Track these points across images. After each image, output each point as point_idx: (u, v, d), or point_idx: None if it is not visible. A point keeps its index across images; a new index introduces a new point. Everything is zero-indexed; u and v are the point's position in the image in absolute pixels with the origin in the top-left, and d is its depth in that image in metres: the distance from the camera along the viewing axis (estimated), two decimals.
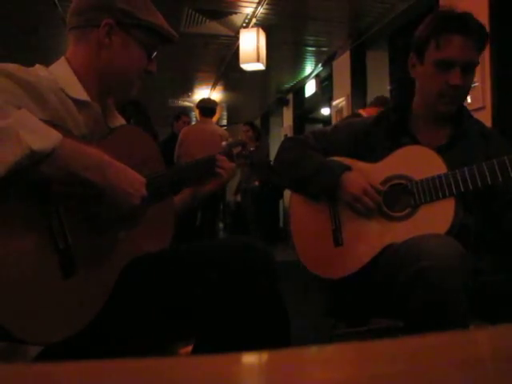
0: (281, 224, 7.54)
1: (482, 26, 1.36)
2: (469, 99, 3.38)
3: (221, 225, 8.64)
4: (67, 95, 1.07)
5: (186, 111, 6.82)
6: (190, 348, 1.17)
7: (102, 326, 0.98)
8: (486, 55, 3.28)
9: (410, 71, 1.46)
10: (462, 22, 1.33)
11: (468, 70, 1.35)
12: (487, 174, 1.24)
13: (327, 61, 6.18)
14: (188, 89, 7.86)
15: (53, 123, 0.93)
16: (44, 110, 0.99)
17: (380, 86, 5.39)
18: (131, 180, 0.99)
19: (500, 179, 1.23)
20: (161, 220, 1.19)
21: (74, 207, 0.96)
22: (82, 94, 1.10)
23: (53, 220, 0.92)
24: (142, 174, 1.03)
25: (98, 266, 1.01)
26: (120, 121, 1.25)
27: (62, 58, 1.15)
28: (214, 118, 5.15)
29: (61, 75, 1.10)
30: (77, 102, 1.09)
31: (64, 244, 0.93)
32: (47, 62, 1.14)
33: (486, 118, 3.18)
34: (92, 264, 1.00)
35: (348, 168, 1.41)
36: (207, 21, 4.88)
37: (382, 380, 0.32)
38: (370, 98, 5.37)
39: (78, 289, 0.96)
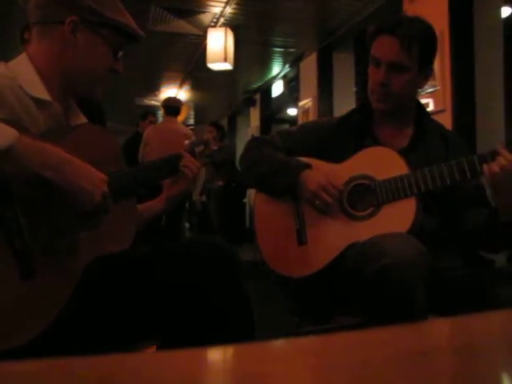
0: (247, 224, 7.54)
1: (416, 31, 1.37)
2: (431, 103, 3.48)
3: (187, 225, 8.58)
4: (27, 93, 1.04)
5: (152, 110, 6.74)
6: (154, 348, 1.17)
7: (63, 328, 0.96)
8: (446, 60, 3.37)
9: None
10: (393, 24, 1.37)
11: (395, 69, 1.37)
12: (446, 174, 1.28)
13: (294, 62, 6.22)
14: (155, 87, 7.78)
15: (9, 121, 0.90)
16: None
17: (346, 87, 5.46)
18: (91, 177, 0.96)
19: (458, 180, 1.27)
20: (122, 220, 1.17)
21: (32, 207, 0.94)
22: (42, 93, 1.07)
23: (10, 220, 0.90)
24: (104, 173, 1.02)
25: (58, 266, 0.99)
26: (82, 119, 1.23)
27: (24, 55, 1.12)
28: (180, 118, 5.11)
29: (21, 72, 1.07)
30: (37, 100, 1.06)
31: (21, 245, 0.91)
32: (7, 58, 1.11)
33: (446, 120, 3.27)
34: (52, 265, 0.98)
35: (308, 166, 1.43)
36: (175, 19, 4.84)
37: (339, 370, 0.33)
38: (336, 99, 5.45)
39: (37, 291, 0.94)
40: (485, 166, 1.22)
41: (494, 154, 1.22)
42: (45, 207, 0.96)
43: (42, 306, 0.95)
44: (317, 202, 1.39)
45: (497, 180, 1.21)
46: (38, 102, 1.06)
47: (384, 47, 1.38)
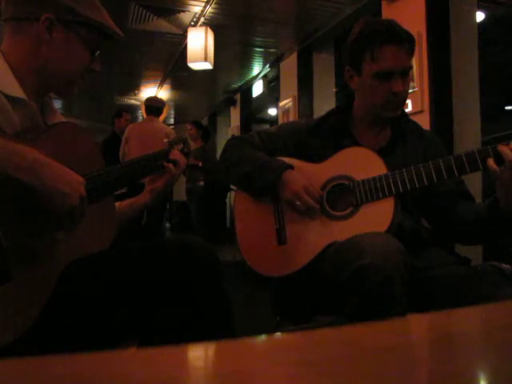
0: (228, 224, 7.54)
1: (408, 32, 1.41)
2: (409, 104, 3.53)
3: (167, 225, 8.54)
4: (0, 91, 1.01)
5: (128, 109, 6.68)
6: (134, 348, 1.16)
7: (43, 329, 0.95)
8: (424, 62, 3.42)
9: (347, 83, 1.50)
10: (392, 32, 1.38)
11: (405, 75, 1.41)
12: (424, 175, 1.30)
13: (275, 62, 6.24)
14: (135, 86, 7.72)
15: None
16: None
17: (326, 87, 5.51)
18: (68, 180, 0.94)
19: (435, 180, 1.29)
20: (101, 220, 1.16)
21: (7, 208, 0.92)
22: (17, 91, 1.05)
23: None
24: (81, 173, 0.99)
25: (35, 269, 0.97)
26: (59, 118, 1.21)
27: None
28: (161, 117, 5.09)
29: None
30: (11, 99, 1.03)
31: None
32: None
33: (424, 120, 3.32)
34: (29, 267, 0.96)
35: (290, 167, 1.44)
36: (155, 18, 4.82)
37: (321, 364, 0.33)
38: (316, 99, 5.48)
39: (15, 293, 0.92)
40: (490, 160, 1.21)
41: (468, 154, 1.25)
42: (20, 209, 0.94)
43: (20, 308, 0.93)
44: (298, 203, 1.40)
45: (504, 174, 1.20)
46: (13, 101, 1.03)
47: (395, 57, 1.37)
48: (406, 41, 1.38)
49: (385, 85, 1.39)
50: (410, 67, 1.43)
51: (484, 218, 1.35)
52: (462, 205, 1.43)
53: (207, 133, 6.01)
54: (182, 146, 1.42)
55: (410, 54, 1.41)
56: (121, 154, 4.62)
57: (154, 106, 4.75)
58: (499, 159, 1.21)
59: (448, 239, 1.47)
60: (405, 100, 1.47)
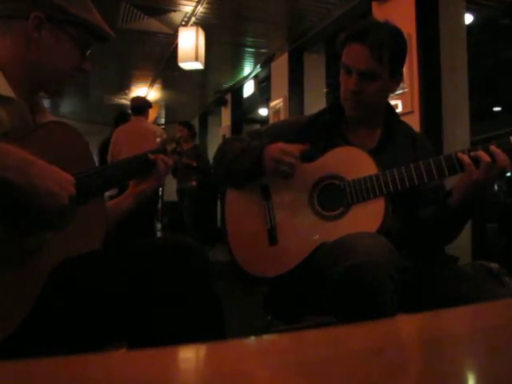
0: (218, 224, 7.53)
1: (386, 37, 1.38)
2: (399, 104, 3.55)
3: (158, 225, 8.51)
4: None
5: (120, 109, 6.65)
6: (124, 349, 1.16)
7: (31, 329, 0.95)
8: (414, 63, 3.45)
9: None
10: (361, 32, 1.38)
11: (367, 77, 1.39)
12: (414, 175, 1.30)
13: (266, 62, 6.24)
14: (125, 86, 7.68)
15: None
16: None
17: (317, 88, 5.52)
18: (58, 179, 0.94)
19: (426, 180, 1.30)
20: (91, 219, 1.15)
21: None
22: (5, 90, 1.04)
23: None
24: (71, 173, 0.99)
25: (24, 268, 0.97)
26: (48, 117, 1.20)
27: None
28: (151, 117, 5.06)
29: None
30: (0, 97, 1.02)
31: None
32: None
33: (414, 121, 3.34)
34: (18, 267, 0.95)
35: (268, 144, 1.44)
36: (145, 17, 4.80)
37: (310, 365, 0.33)
38: (307, 99, 5.49)
39: (2, 293, 0.91)
40: (469, 155, 1.23)
41: (457, 157, 1.26)
42: (9, 208, 0.94)
43: (8, 308, 0.93)
44: (281, 167, 1.39)
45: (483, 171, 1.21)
46: (1, 99, 1.02)
47: (354, 55, 1.39)
48: (373, 44, 1.35)
49: (346, 81, 1.42)
50: (375, 72, 1.38)
51: (437, 212, 1.38)
52: (428, 209, 1.43)
53: (194, 133, 6.06)
54: (175, 145, 1.42)
55: (378, 59, 1.36)
56: (109, 156, 4.58)
57: (137, 105, 4.71)
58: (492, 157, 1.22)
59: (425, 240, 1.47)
60: (364, 103, 1.42)
